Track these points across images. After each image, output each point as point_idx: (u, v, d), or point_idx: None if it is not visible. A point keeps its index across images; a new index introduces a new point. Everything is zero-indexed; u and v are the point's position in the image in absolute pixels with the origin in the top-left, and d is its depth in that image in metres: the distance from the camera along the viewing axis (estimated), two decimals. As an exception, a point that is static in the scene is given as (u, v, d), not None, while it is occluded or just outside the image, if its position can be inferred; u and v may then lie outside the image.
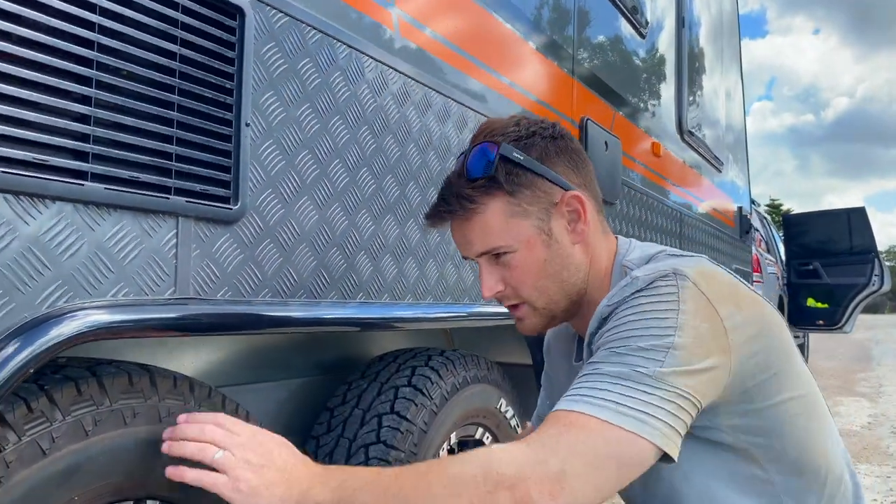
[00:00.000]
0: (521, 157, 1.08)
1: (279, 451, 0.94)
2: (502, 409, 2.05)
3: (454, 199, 1.10)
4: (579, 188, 1.13)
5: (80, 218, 0.90)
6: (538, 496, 0.85)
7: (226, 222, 1.10)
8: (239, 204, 1.11)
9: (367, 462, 1.61)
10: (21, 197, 0.84)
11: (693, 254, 1.11)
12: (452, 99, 1.68)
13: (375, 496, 0.88)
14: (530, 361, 2.22)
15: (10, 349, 0.81)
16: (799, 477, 1.04)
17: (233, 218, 1.11)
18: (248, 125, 1.12)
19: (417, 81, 1.55)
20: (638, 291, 1.00)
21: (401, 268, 1.53)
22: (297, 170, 1.23)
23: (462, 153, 1.15)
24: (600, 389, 0.93)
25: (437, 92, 1.62)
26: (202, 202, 1.05)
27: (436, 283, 1.65)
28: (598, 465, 0.89)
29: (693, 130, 3.66)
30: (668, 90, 3.37)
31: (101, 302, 0.92)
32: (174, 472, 0.94)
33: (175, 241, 1.02)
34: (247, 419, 1.17)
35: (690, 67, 3.65)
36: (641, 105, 3.01)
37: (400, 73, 1.50)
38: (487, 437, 2.01)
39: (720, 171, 4.35)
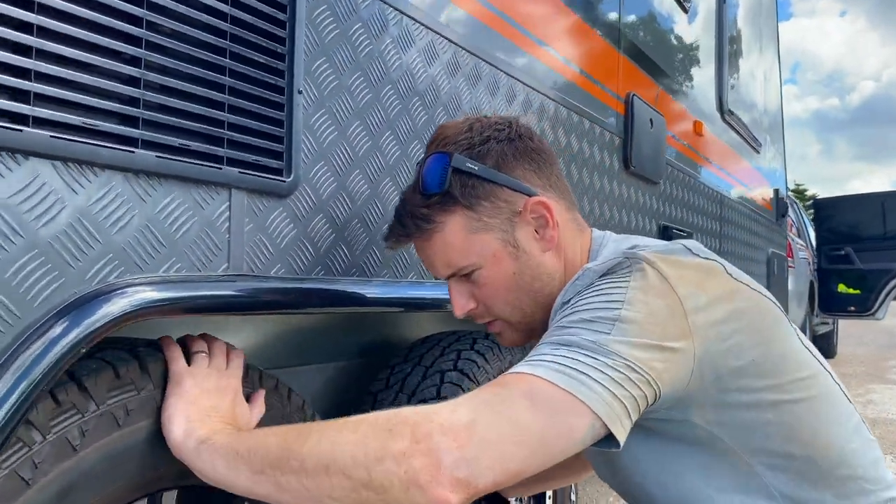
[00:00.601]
0: (476, 167, 0.99)
1: (236, 408, 0.94)
2: (547, 395, 1.98)
3: (409, 220, 1.03)
4: (544, 190, 1.04)
5: (130, 188, 0.84)
6: (441, 440, 0.72)
7: (279, 195, 1.04)
8: (292, 176, 1.05)
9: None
10: (70, 164, 0.78)
11: (675, 242, 1.00)
12: (502, 70, 1.60)
13: (272, 434, 0.83)
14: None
15: (59, 328, 0.75)
16: (792, 472, 0.92)
17: (286, 191, 1.04)
18: (300, 92, 1.06)
19: (468, 51, 1.48)
20: (589, 284, 0.92)
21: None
22: (349, 141, 1.17)
23: (419, 163, 1.06)
24: (537, 355, 0.84)
25: (488, 63, 1.55)
26: (255, 174, 0.99)
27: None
28: (517, 417, 0.76)
29: (733, 110, 3.56)
30: (708, 68, 3.26)
31: (153, 278, 0.86)
32: (165, 339, 0.95)
33: (228, 213, 0.96)
34: (302, 408, 1.11)
35: (730, 46, 3.53)
36: (684, 82, 2.91)
37: (450, 41, 1.42)
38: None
39: (758, 153, 4.23)
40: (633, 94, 2.29)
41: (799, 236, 7.85)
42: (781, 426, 0.91)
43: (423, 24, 1.34)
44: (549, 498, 2.04)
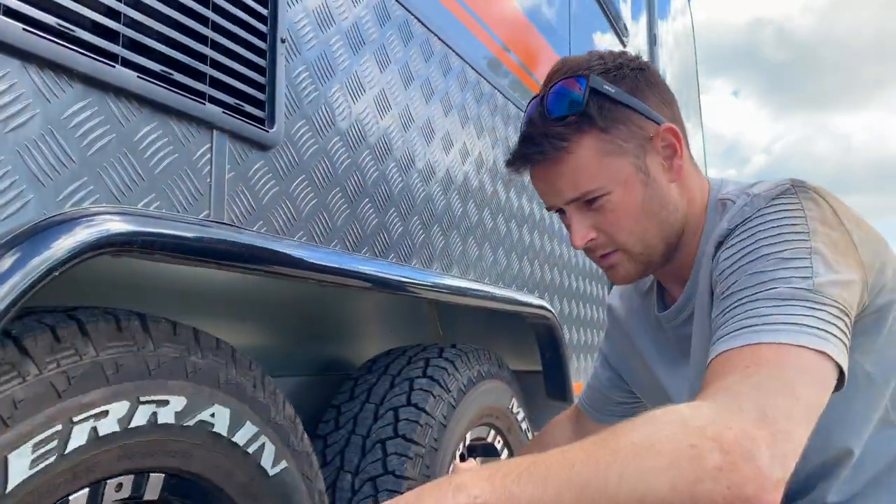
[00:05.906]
0: (613, 90, 0.98)
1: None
2: (514, 411, 1.90)
3: (543, 140, 0.98)
4: (671, 122, 1.03)
5: (109, 106, 0.75)
6: (751, 445, 0.68)
7: (261, 146, 0.96)
8: (275, 127, 0.97)
9: (385, 458, 1.45)
10: (45, 69, 0.69)
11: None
12: (462, 59, 1.58)
13: (547, 480, 0.69)
14: (538, 367, 2.09)
15: (28, 249, 0.65)
16: None
17: (269, 142, 0.96)
18: (283, 41, 0.99)
19: (436, 34, 1.45)
20: (760, 209, 0.91)
21: (428, 233, 1.39)
22: (329, 104, 1.10)
23: (536, 96, 1.04)
24: (763, 315, 0.80)
25: (455, 52, 1.52)
26: (237, 117, 0.91)
27: (476, 260, 1.52)
28: (805, 395, 0.74)
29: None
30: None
31: (131, 210, 0.76)
32: None
33: (210, 156, 0.87)
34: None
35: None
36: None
37: (422, 23, 1.39)
38: (499, 441, 1.86)
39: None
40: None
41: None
42: None
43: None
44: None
